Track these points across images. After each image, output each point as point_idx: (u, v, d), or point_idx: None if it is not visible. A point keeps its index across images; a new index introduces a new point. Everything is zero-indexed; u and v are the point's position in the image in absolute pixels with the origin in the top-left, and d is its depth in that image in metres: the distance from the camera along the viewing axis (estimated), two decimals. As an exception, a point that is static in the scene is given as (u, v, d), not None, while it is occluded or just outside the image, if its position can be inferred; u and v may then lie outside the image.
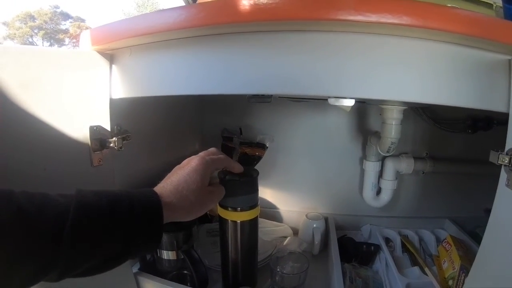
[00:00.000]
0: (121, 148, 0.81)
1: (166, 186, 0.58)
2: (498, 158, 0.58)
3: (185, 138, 1.36)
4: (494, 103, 0.60)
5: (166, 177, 0.62)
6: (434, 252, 1.22)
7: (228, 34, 0.63)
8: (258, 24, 0.58)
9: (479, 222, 1.30)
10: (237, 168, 0.73)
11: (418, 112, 1.27)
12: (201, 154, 0.66)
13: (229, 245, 0.81)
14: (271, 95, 0.80)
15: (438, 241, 1.26)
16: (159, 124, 1.13)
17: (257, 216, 0.82)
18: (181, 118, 1.32)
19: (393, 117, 0.99)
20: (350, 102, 0.65)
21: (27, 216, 0.41)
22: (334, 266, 0.99)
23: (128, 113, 0.89)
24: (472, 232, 1.28)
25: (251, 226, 0.81)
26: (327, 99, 0.71)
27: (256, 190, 0.80)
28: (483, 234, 1.18)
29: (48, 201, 0.45)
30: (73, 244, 0.44)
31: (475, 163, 1.28)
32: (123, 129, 0.86)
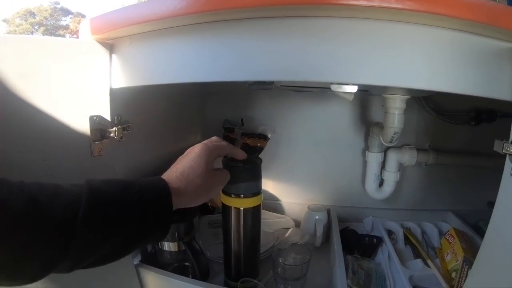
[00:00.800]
0: (121, 138, 0.81)
1: (172, 174, 0.59)
2: (503, 147, 0.57)
3: (187, 129, 1.36)
4: (499, 91, 0.60)
5: (171, 166, 0.63)
6: (436, 245, 1.21)
7: (229, 21, 0.62)
8: (260, 9, 0.57)
9: (482, 216, 1.29)
10: (240, 154, 0.73)
11: (421, 104, 1.27)
12: (204, 141, 0.67)
13: (232, 233, 0.81)
14: (273, 82, 0.79)
15: (441, 233, 1.26)
16: (160, 115, 1.12)
17: (260, 204, 0.81)
18: (182, 109, 1.31)
19: (396, 106, 0.99)
20: (353, 89, 0.64)
21: (40, 205, 0.42)
22: (336, 258, 0.98)
23: (128, 103, 0.88)
24: (474, 225, 1.28)
25: (254, 214, 0.81)
26: (329, 88, 0.70)
27: (259, 177, 0.80)
28: (485, 228, 1.18)
29: (60, 190, 0.45)
30: (86, 232, 0.44)
31: (478, 156, 1.28)
32: (123, 120, 0.85)
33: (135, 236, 0.50)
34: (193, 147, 0.66)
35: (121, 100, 0.84)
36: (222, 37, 0.64)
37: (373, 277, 1.02)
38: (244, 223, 0.80)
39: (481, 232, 1.19)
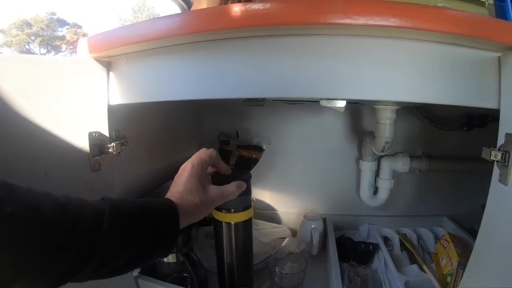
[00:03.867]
0: (119, 153, 0.82)
1: (173, 196, 0.62)
2: (491, 154, 0.60)
3: (183, 142, 1.38)
4: (485, 100, 0.62)
5: (170, 188, 0.66)
6: (432, 250, 1.22)
7: (221, 40, 0.65)
8: (250, 30, 0.60)
9: (477, 219, 1.23)
10: (224, 169, 0.75)
11: (412, 112, 1.28)
12: (191, 158, 0.69)
13: (224, 246, 0.82)
14: (264, 99, 0.81)
15: (437, 238, 1.27)
16: (157, 129, 1.14)
17: (251, 217, 0.83)
18: (179, 123, 1.33)
19: (387, 116, 1.01)
20: (341, 104, 0.66)
21: (68, 213, 0.45)
22: (332, 265, 0.99)
23: (126, 118, 0.90)
24: (470, 229, 1.28)
25: (245, 227, 0.82)
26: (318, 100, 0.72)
27: (249, 192, 0.81)
28: None
29: (85, 202, 0.49)
30: (109, 241, 0.48)
31: (471, 160, 1.29)
32: (121, 135, 0.87)
33: (148, 248, 0.54)
34: (183, 166, 0.68)
35: (119, 115, 0.86)
36: (216, 56, 0.67)
37: (369, 284, 1.03)
38: (236, 237, 0.81)
39: (476, 235, 1.18)
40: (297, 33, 0.61)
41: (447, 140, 1.34)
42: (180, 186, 0.64)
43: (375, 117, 1.06)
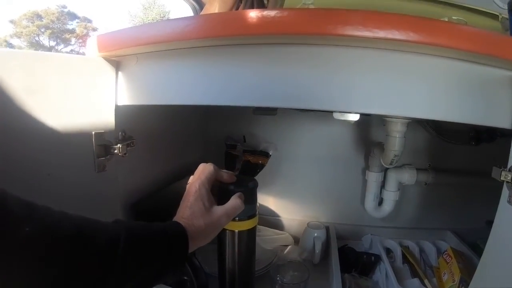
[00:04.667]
0: (125, 154, 0.82)
1: (180, 220, 0.62)
2: (501, 175, 0.58)
3: (190, 145, 1.37)
4: (498, 119, 0.61)
5: (177, 212, 0.65)
6: (434, 264, 1.21)
7: (234, 46, 0.64)
8: (266, 37, 0.59)
9: (480, 234, 1.21)
10: (227, 178, 0.73)
11: (421, 124, 1.28)
12: (194, 181, 0.67)
13: (227, 254, 0.81)
14: (277, 108, 0.79)
15: (439, 252, 1.26)
16: (163, 131, 1.13)
17: (255, 226, 0.81)
18: (185, 125, 1.32)
19: (397, 129, 1.00)
20: (355, 117, 0.65)
21: (85, 234, 0.46)
22: (334, 276, 0.98)
23: (133, 119, 0.89)
24: (473, 244, 1.27)
25: (249, 236, 0.81)
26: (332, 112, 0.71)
27: (255, 201, 0.80)
28: (484, 246, 1.18)
29: (101, 225, 0.50)
30: (124, 264, 0.48)
31: (478, 175, 1.27)
32: (127, 136, 0.86)
33: (158, 273, 0.55)
34: (187, 189, 0.67)
35: (126, 116, 0.85)
36: (228, 62, 0.66)
37: None
38: (239, 245, 0.80)
39: (479, 251, 1.18)
40: (313, 43, 0.60)
41: (455, 153, 1.33)
42: (186, 211, 0.63)
43: (385, 129, 1.05)
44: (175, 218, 0.63)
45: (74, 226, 0.45)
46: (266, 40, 0.61)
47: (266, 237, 1.27)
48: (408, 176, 1.28)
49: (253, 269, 0.88)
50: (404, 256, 1.23)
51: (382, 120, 1.19)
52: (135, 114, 0.90)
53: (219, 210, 0.66)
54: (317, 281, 1.07)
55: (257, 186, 0.78)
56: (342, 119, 0.67)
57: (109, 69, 0.79)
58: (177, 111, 1.21)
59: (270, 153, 1.35)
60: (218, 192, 0.72)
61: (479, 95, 0.61)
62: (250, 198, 0.76)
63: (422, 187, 1.37)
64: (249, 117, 1.42)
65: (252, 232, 0.80)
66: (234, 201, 0.68)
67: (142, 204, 0.96)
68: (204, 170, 0.68)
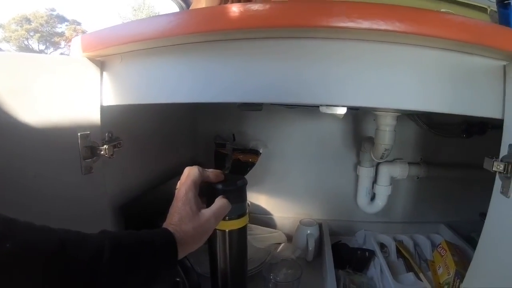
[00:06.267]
0: (112, 155, 0.80)
1: (169, 227, 0.61)
2: (493, 165, 0.58)
3: (179, 145, 1.35)
4: (489, 110, 0.61)
5: (167, 218, 0.64)
6: (429, 257, 1.22)
7: (217, 42, 0.63)
8: (249, 31, 0.57)
9: (474, 227, 1.22)
10: (213, 177, 0.71)
11: (412, 118, 1.27)
12: (181, 186, 0.67)
13: (218, 254, 0.80)
14: (261, 104, 0.78)
15: (433, 246, 1.26)
16: (151, 131, 1.12)
17: (246, 224, 0.80)
18: (174, 125, 1.30)
19: (387, 123, 0.99)
20: (342, 110, 0.64)
21: (68, 248, 0.45)
22: (328, 273, 0.98)
23: (119, 120, 0.88)
24: (467, 236, 1.28)
25: (240, 235, 0.79)
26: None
27: (244, 199, 0.78)
28: (478, 239, 1.19)
29: (83, 235, 0.49)
30: (109, 275, 0.48)
31: (470, 168, 1.28)
32: (114, 137, 0.85)
33: (147, 281, 0.54)
34: (176, 194, 0.66)
35: (112, 116, 0.83)
36: (212, 58, 0.65)
37: None
38: (230, 244, 0.79)
39: (474, 243, 1.15)
40: (297, 36, 0.59)
41: (446, 146, 1.34)
42: (174, 217, 0.62)
43: (375, 123, 1.04)
44: (164, 224, 0.62)
45: (56, 241, 0.44)
46: (250, 35, 0.60)
47: (259, 236, 1.27)
48: (400, 171, 1.28)
49: (245, 268, 0.87)
50: (398, 251, 1.23)
51: (372, 115, 1.18)
52: (122, 114, 0.89)
53: (206, 213, 0.65)
54: (311, 279, 1.06)
55: (246, 184, 0.76)
56: (329, 112, 0.66)
57: (94, 69, 0.77)
58: (166, 112, 1.20)
59: (260, 151, 1.34)
60: (207, 193, 0.71)
61: (469, 85, 0.60)
62: (239, 197, 0.75)
63: (414, 181, 1.37)
64: (238, 115, 1.41)
65: (242, 231, 0.79)
66: (220, 202, 0.68)
67: (131, 206, 0.94)
68: (189, 174, 0.67)
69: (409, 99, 0.60)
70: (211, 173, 0.70)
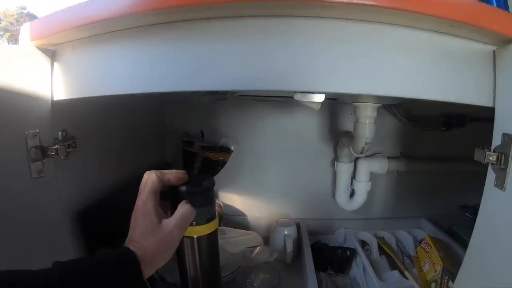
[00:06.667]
0: (66, 156, 0.73)
1: (130, 244, 0.56)
2: (485, 156, 0.55)
3: (145, 144, 1.25)
4: (479, 98, 0.57)
5: (128, 233, 0.58)
6: (412, 253, 1.20)
7: (175, 23, 0.56)
8: (211, 7, 0.50)
9: (455, 220, 1.32)
10: (174, 180, 0.63)
11: (391, 110, 1.24)
12: (139, 196, 0.60)
13: (187, 264, 0.72)
14: (226, 93, 0.70)
15: (416, 241, 1.25)
16: (114, 130, 1.02)
17: (216, 228, 0.73)
18: (140, 123, 1.21)
19: (367, 115, 0.93)
20: (319, 98, 0.57)
21: None
22: (308, 275, 0.93)
23: (76, 117, 0.80)
24: (449, 229, 1.29)
25: (210, 241, 0.72)
26: (293, 97, 0.64)
27: (213, 201, 0.71)
28: (460, 231, 1.18)
29: (31, 276, 0.45)
30: None
31: (450, 161, 1.29)
32: (69, 135, 0.77)
33: None
34: (136, 205, 0.59)
35: (67, 113, 0.76)
36: (172, 42, 0.57)
37: None
38: (200, 252, 0.71)
39: (455, 236, 1.21)
40: (267, 14, 0.52)
41: (425, 140, 1.32)
42: (135, 232, 0.56)
43: (354, 116, 0.98)
44: (126, 242, 0.56)
45: (1, 285, 0.42)
46: (212, 12, 0.53)
47: (232, 239, 1.19)
48: (379, 165, 1.25)
49: (218, 276, 0.80)
50: (380, 248, 1.20)
51: (349, 108, 1.15)
52: (79, 111, 0.81)
53: (169, 223, 0.58)
54: (290, 283, 1.01)
55: (214, 184, 0.69)
56: (304, 101, 0.59)
57: (43, 60, 0.69)
58: (130, 108, 1.11)
59: (232, 149, 1.27)
60: (170, 197, 0.64)
61: (459, 71, 0.56)
62: (206, 199, 0.67)
63: (394, 175, 1.35)
64: (207, 111, 1.34)
65: (213, 237, 0.72)
66: (182, 209, 0.61)
67: (91, 213, 0.85)
68: (146, 182, 0.60)
69: (392, 85, 0.55)
70: (173, 175, 0.63)
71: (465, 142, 1.28)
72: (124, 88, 0.62)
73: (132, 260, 0.51)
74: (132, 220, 0.58)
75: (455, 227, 1.29)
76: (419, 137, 1.31)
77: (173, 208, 0.61)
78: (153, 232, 0.56)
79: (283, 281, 0.85)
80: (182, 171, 0.64)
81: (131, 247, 0.53)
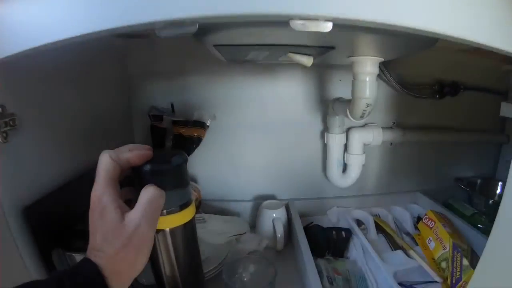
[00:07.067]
0: (5, 139, 0.59)
1: (91, 253, 0.45)
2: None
3: (110, 123, 1.08)
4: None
5: (89, 239, 0.46)
6: (410, 230, 1.14)
7: None
8: None
9: (450, 193, 1.31)
10: (136, 158, 0.49)
11: (384, 77, 1.16)
12: (94, 185, 0.46)
13: (161, 261, 0.58)
14: (196, 24, 0.52)
15: (413, 216, 1.20)
16: (69, 107, 0.85)
17: (193, 217, 0.58)
18: (102, 97, 1.03)
19: (367, 71, 0.79)
20: (325, 27, 0.42)
21: None
22: (306, 264, 0.82)
23: (16, 88, 0.65)
24: (444, 203, 1.25)
25: (187, 232, 0.57)
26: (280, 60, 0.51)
27: (186, 182, 0.56)
28: (456, 205, 1.16)
29: None
30: None
31: (444, 131, 1.27)
32: (7, 112, 0.61)
33: None
34: (91, 201, 0.46)
35: (3, 83, 0.61)
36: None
37: (352, 281, 0.87)
38: (175, 248, 0.56)
39: (453, 210, 1.17)
40: None
41: (418, 109, 1.26)
42: (95, 237, 0.45)
43: (352, 73, 0.83)
44: (87, 252, 0.45)
45: None
46: None
47: (214, 228, 1.07)
48: (374, 136, 1.16)
49: (200, 273, 0.67)
50: (377, 226, 1.14)
51: (338, 75, 1.15)
52: (20, 82, 0.66)
53: (133, 217, 0.46)
54: (285, 273, 0.89)
55: (186, 161, 0.54)
56: (304, 30, 0.44)
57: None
58: (88, 80, 0.94)
59: (208, 123, 1.13)
60: (134, 182, 0.51)
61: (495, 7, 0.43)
62: (178, 180, 0.52)
63: (387, 148, 1.28)
64: (178, 80, 1.19)
65: (189, 227, 0.57)
66: (146, 194, 0.47)
67: (39, 208, 0.70)
68: (99, 168, 0.46)
69: (421, 15, 0.41)
70: (133, 153, 0.49)
71: (458, 112, 1.26)
72: (57, 33, 0.45)
73: (94, 277, 0.41)
74: (90, 223, 0.46)
75: (451, 201, 1.26)
76: (411, 106, 1.24)
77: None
78: (116, 233, 0.44)
79: (277, 273, 0.73)
80: (144, 146, 0.50)
81: (93, 258, 0.43)
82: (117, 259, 0.43)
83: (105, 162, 0.46)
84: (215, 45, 0.65)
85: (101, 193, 0.44)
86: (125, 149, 0.49)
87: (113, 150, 0.47)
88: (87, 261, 0.42)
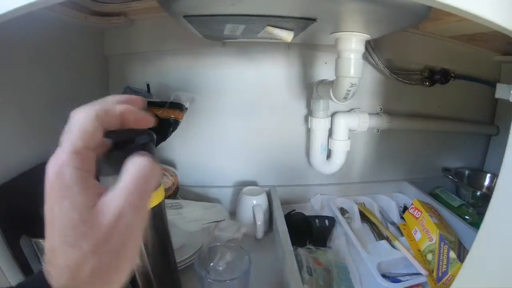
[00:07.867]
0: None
1: (46, 262, 0.28)
2: None
3: (85, 102, 1.00)
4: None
5: (45, 238, 0.29)
6: (396, 219, 1.12)
7: None
8: None
9: (437, 183, 1.30)
10: (133, 118, 0.36)
11: (372, 61, 1.11)
12: (56, 152, 0.30)
13: None
14: None
15: (398, 206, 1.19)
16: (44, 88, 0.81)
17: (162, 200, 0.53)
18: (77, 80, 0.97)
19: (351, 48, 0.74)
20: None
21: None
22: (285, 253, 0.78)
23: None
24: (431, 193, 1.24)
25: (156, 218, 0.53)
26: (258, 36, 0.46)
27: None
28: (443, 195, 1.13)
29: None
30: None
31: (432, 119, 1.25)
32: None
33: None
34: (46, 177, 0.29)
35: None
36: None
37: (333, 272, 0.84)
38: (143, 234, 0.52)
39: (439, 200, 1.15)
40: None
41: (407, 96, 1.23)
42: (53, 237, 0.28)
43: (336, 51, 0.78)
44: (45, 258, 0.29)
45: None
46: None
47: (191, 215, 1.03)
48: (359, 121, 1.12)
49: (172, 262, 0.63)
50: (362, 215, 1.11)
51: (322, 57, 1.11)
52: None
53: (111, 202, 0.29)
54: (263, 262, 0.86)
55: (154, 141, 0.43)
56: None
57: None
58: (63, 59, 0.89)
59: (186, 105, 1.08)
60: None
61: None
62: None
63: (374, 135, 1.24)
64: (155, 61, 1.13)
65: (158, 212, 0.53)
66: (134, 168, 0.31)
67: (6, 189, 0.65)
68: (72, 126, 0.31)
69: None
70: (133, 115, 0.36)
71: (448, 101, 1.23)
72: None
73: None
74: (45, 210, 0.29)
75: (439, 191, 1.25)
76: (399, 92, 1.21)
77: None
78: (82, 228, 0.27)
79: (254, 261, 0.69)
80: (137, 97, 0.38)
81: (50, 269, 0.28)
82: (84, 272, 0.27)
83: (85, 119, 0.31)
84: (185, 16, 0.60)
85: (64, 162, 0.29)
86: (112, 103, 0.35)
87: (96, 104, 0.33)
88: (38, 277, 0.28)
